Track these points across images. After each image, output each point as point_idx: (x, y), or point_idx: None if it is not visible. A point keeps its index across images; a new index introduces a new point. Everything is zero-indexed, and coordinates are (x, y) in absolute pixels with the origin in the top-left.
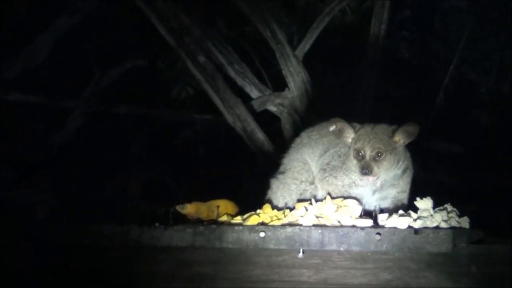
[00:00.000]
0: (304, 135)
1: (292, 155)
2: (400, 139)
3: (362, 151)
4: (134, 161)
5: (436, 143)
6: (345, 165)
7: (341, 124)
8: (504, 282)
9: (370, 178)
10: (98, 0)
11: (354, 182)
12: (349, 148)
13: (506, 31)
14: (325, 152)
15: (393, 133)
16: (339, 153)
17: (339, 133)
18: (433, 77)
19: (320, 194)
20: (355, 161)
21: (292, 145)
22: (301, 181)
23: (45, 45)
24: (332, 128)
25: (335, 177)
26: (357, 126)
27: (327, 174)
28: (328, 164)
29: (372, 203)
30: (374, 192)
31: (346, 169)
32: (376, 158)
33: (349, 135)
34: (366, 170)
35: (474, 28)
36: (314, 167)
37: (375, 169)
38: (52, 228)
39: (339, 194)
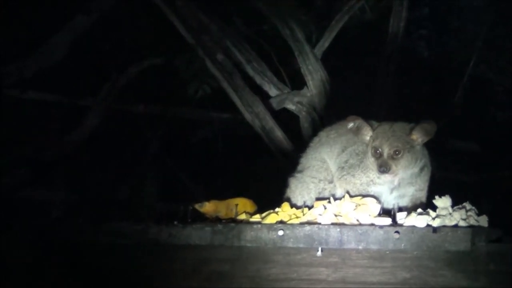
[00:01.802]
0: (322, 134)
1: (310, 154)
2: (418, 137)
3: (380, 149)
4: (152, 159)
5: (454, 141)
6: (363, 163)
7: (359, 122)
8: None
9: (388, 176)
10: None
11: (372, 180)
12: (367, 146)
13: None
14: (343, 151)
15: (411, 131)
16: (357, 151)
17: (356, 131)
18: (451, 76)
19: (338, 193)
20: (373, 159)
21: (311, 144)
22: (320, 180)
23: (63, 44)
24: (350, 125)
25: (353, 175)
26: (375, 124)
27: (345, 173)
28: (346, 162)
29: (390, 201)
30: (392, 190)
31: (364, 167)
32: (394, 156)
33: (367, 133)
34: (384, 168)
35: (492, 27)
36: (332, 165)
37: (393, 167)
38: (69, 227)
39: (357, 192)
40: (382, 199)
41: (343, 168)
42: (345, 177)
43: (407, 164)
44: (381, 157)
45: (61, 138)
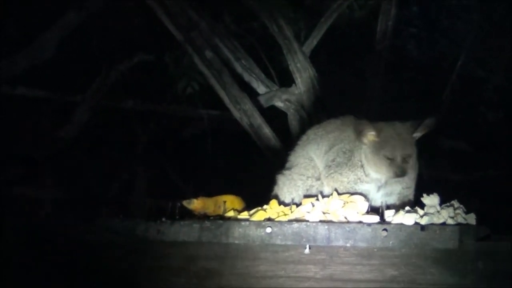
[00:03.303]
0: (310, 132)
1: (298, 152)
2: (418, 135)
3: (392, 156)
4: (141, 156)
5: (443, 140)
6: (351, 162)
7: (362, 125)
8: (510, 279)
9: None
10: None
11: (359, 179)
12: (369, 149)
13: None
14: (330, 149)
15: (414, 130)
16: (344, 149)
17: (360, 135)
18: (440, 75)
19: (326, 190)
20: (385, 165)
21: (299, 142)
22: (308, 177)
23: (53, 40)
24: (372, 133)
25: (341, 173)
26: (377, 125)
27: (332, 171)
28: (333, 161)
29: (377, 199)
30: (379, 188)
31: (352, 165)
32: (407, 160)
33: (370, 137)
34: (400, 173)
35: (481, 25)
36: (320, 163)
37: (407, 170)
38: (58, 224)
39: (344, 190)
40: (370, 197)
41: (330, 166)
42: (332, 175)
43: (414, 164)
44: (393, 162)
45: (51, 135)
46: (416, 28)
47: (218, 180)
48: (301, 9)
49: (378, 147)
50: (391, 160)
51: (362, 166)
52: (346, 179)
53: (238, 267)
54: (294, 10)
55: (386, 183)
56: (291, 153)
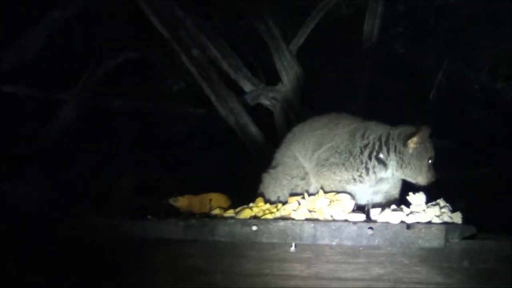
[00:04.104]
0: (295, 130)
1: (283, 151)
2: None
3: (432, 159)
4: (127, 154)
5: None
6: (349, 162)
7: (406, 131)
8: (496, 278)
9: None
10: None
11: (354, 179)
12: (412, 154)
13: (499, 28)
14: (320, 147)
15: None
16: (338, 150)
17: (405, 140)
18: (426, 74)
19: (312, 189)
20: (426, 169)
21: (284, 140)
22: (292, 177)
23: (39, 38)
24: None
25: (334, 172)
26: (414, 130)
27: (325, 169)
28: (326, 160)
29: (363, 197)
30: (369, 187)
31: (349, 166)
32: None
33: (412, 144)
34: (436, 176)
35: (467, 24)
36: (307, 161)
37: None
38: (44, 221)
39: (334, 188)
40: (357, 196)
41: (323, 165)
42: (324, 173)
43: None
44: (431, 166)
45: (37, 132)
46: (402, 27)
47: (204, 178)
48: (288, 7)
49: (422, 152)
50: (430, 164)
51: (366, 167)
52: (338, 178)
53: (224, 265)
54: (282, 8)
55: (376, 182)
56: (276, 151)
